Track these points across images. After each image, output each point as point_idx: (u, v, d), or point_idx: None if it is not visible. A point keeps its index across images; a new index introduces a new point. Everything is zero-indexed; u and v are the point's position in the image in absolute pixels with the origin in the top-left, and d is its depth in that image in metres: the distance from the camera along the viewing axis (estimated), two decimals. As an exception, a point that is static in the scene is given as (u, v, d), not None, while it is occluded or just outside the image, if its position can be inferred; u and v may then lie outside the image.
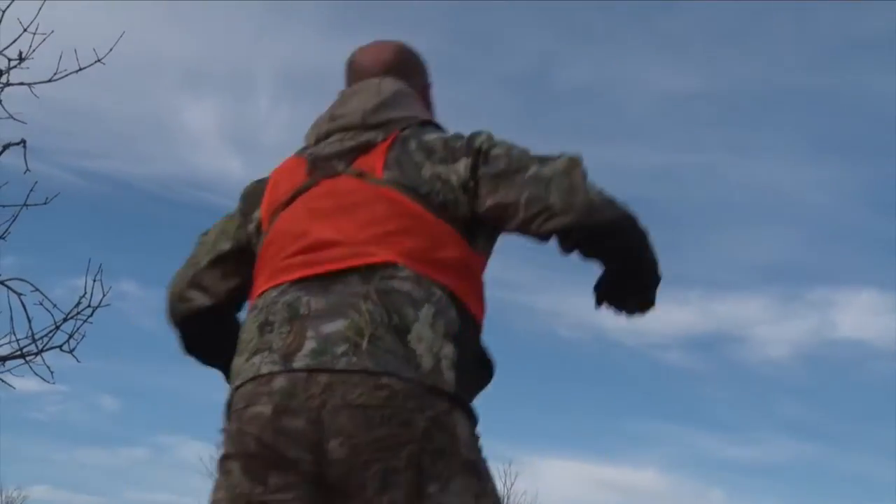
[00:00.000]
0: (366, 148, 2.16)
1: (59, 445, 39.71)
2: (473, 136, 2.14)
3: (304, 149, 2.27)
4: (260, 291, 2.08)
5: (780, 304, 58.54)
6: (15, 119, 5.02)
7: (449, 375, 1.92)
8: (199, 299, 2.32)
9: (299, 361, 1.89)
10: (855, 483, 53.09)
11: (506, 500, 29.60)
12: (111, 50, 5.07)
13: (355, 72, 2.41)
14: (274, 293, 2.03)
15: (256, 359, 1.95)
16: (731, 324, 58.01)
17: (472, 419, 2.00)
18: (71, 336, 5.37)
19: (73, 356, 5.38)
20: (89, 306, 5.39)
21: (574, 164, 2.07)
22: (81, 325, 5.39)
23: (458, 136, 2.16)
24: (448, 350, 1.94)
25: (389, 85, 2.29)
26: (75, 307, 5.38)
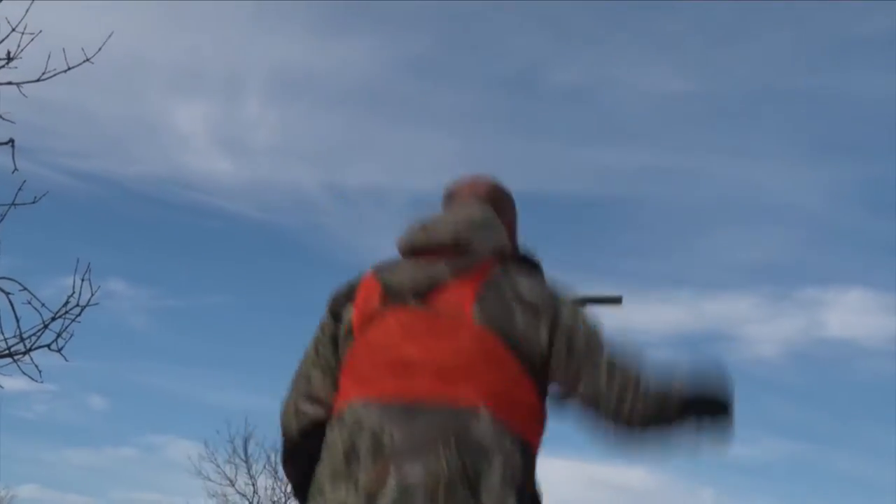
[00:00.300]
0: (456, 273, 2.28)
1: (48, 445, 39.63)
2: (559, 303, 2.27)
3: (391, 266, 2.37)
4: (346, 398, 2.21)
5: (770, 304, 58.44)
6: (3, 118, 5.00)
7: None
8: (315, 411, 2.37)
9: (381, 501, 2.02)
10: (845, 482, 53.05)
11: None
12: (100, 50, 5.10)
13: (451, 199, 2.57)
14: (360, 408, 2.15)
15: (342, 489, 2.09)
16: (721, 323, 57.89)
17: None
18: (59, 335, 5.37)
19: (62, 355, 5.38)
20: (77, 305, 5.39)
21: (639, 379, 2.19)
22: (70, 324, 5.39)
23: (546, 293, 2.29)
24: (511, 500, 2.06)
25: (484, 210, 2.44)
26: (63, 306, 5.38)
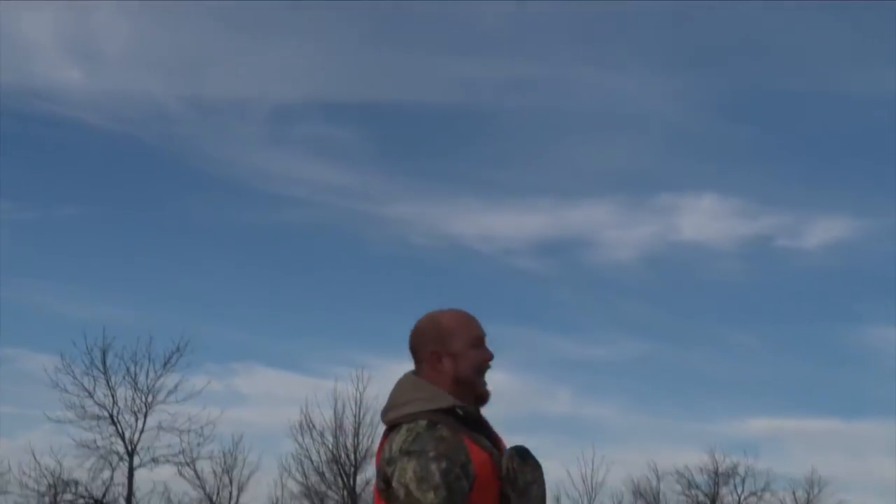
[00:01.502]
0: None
1: None
2: (390, 464, 2.91)
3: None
4: None
5: (627, 210, 59.30)
6: None
7: None
8: None
9: None
10: (694, 378, 54.08)
11: (358, 403, 29.88)
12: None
13: None
14: None
15: None
16: (580, 229, 58.70)
17: None
18: None
19: None
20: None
21: None
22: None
23: (391, 458, 2.92)
24: None
25: (399, 383, 3.12)
26: None
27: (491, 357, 3.12)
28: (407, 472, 2.85)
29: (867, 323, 57.49)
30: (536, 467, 3.05)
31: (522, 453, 3.04)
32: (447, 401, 3.00)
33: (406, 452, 2.88)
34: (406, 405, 3.03)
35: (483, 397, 3.12)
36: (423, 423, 2.94)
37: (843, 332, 56.28)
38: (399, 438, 2.94)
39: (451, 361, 3.07)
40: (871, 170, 52.81)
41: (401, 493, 2.85)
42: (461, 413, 3.01)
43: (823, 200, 56.03)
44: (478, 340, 3.10)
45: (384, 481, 2.92)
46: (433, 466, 2.83)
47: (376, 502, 3.01)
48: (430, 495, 2.79)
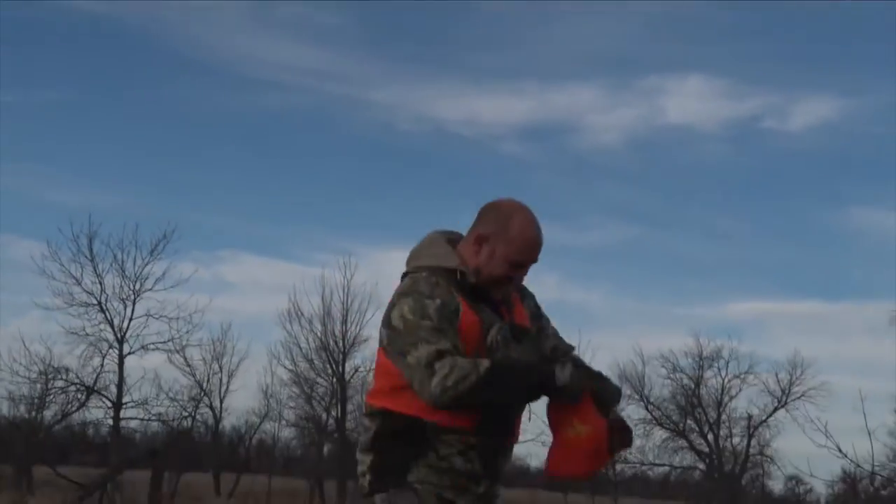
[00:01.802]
0: None
1: None
2: (390, 308, 3.13)
3: None
4: None
5: (611, 93, 59.25)
6: None
7: (364, 480, 3.17)
8: None
9: None
10: (678, 261, 54.59)
11: (346, 290, 30.18)
12: None
13: None
14: None
15: None
16: (565, 113, 58.58)
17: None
18: None
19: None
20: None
21: (428, 361, 2.95)
22: None
23: (391, 303, 3.14)
24: (366, 459, 3.18)
25: (425, 238, 3.29)
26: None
27: (512, 280, 3.20)
28: (404, 307, 3.07)
29: (852, 204, 57.83)
30: (530, 350, 3.20)
31: (517, 333, 3.18)
32: (453, 261, 3.17)
33: (404, 294, 3.11)
34: (419, 259, 3.23)
35: (490, 291, 3.19)
36: (424, 273, 3.16)
37: (827, 213, 56.66)
38: (401, 286, 3.17)
39: (487, 255, 3.16)
40: (857, 49, 52.49)
41: (399, 325, 3.06)
42: (463, 279, 3.14)
43: (810, 80, 55.82)
44: (520, 262, 3.17)
45: (385, 326, 3.12)
46: (428, 302, 3.06)
47: (378, 354, 3.18)
48: (426, 322, 3.01)
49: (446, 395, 2.92)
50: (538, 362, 3.15)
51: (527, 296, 3.41)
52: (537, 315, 3.40)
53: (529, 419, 3.28)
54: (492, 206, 3.25)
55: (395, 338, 3.07)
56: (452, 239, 3.28)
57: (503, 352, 3.09)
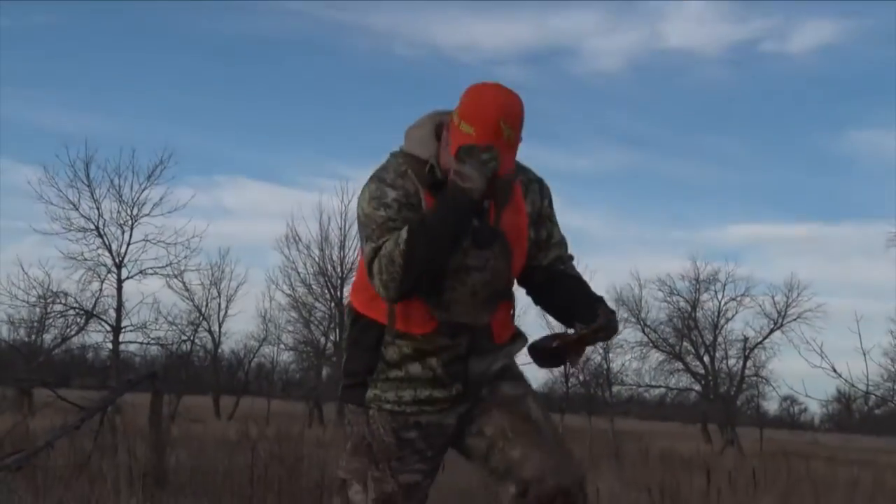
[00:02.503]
0: None
1: None
2: (360, 191, 2.95)
3: None
4: None
5: (612, 17, 58.58)
6: None
7: (342, 382, 3.12)
8: None
9: None
10: (677, 187, 54.69)
11: (343, 216, 29.97)
12: None
13: None
14: None
15: None
16: (564, 38, 58.01)
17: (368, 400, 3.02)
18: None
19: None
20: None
21: (369, 261, 2.85)
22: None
23: (364, 184, 2.97)
24: (342, 362, 3.14)
25: (420, 117, 3.01)
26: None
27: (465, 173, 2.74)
28: (365, 194, 2.92)
29: (851, 127, 57.59)
30: (490, 256, 2.93)
31: (481, 238, 2.91)
32: (426, 152, 2.92)
33: (371, 177, 2.95)
34: (404, 140, 2.99)
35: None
36: (400, 158, 2.96)
37: (826, 136, 56.44)
38: (376, 167, 2.99)
39: (444, 143, 2.89)
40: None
41: (360, 215, 2.92)
42: (432, 171, 2.90)
43: (810, 2, 55.11)
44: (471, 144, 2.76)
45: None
46: (388, 189, 2.88)
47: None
48: (381, 213, 2.85)
49: (389, 290, 2.80)
50: (450, 206, 2.78)
51: (532, 190, 3.07)
52: (540, 215, 3.08)
53: (513, 315, 3.12)
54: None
55: (359, 229, 2.96)
56: (445, 122, 2.93)
57: (459, 258, 2.87)
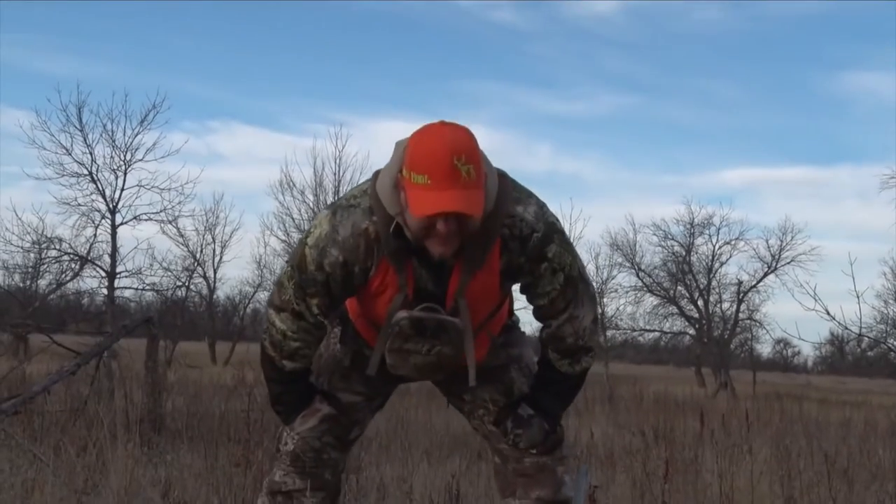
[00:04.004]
0: None
1: None
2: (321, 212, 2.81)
3: None
4: None
5: None
6: None
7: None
8: None
9: None
10: (670, 130, 54.72)
11: (337, 162, 30.03)
12: None
13: None
14: None
15: None
16: None
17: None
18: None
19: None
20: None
21: (272, 301, 2.85)
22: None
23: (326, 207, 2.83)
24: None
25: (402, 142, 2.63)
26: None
27: (434, 226, 2.47)
28: (316, 231, 2.74)
29: (847, 68, 57.25)
30: (435, 343, 2.72)
31: (419, 325, 2.70)
32: (393, 207, 2.57)
33: (333, 209, 2.75)
34: (375, 181, 2.66)
35: (432, 254, 2.56)
36: (366, 205, 2.66)
37: (820, 78, 56.05)
38: (341, 198, 2.82)
39: (405, 200, 2.53)
40: None
41: (300, 243, 2.78)
42: (399, 231, 2.59)
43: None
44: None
45: None
46: (333, 250, 2.67)
47: None
48: (311, 268, 2.70)
49: (264, 343, 2.87)
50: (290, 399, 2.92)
51: (510, 249, 2.66)
52: (520, 270, 2.71)
53: (494, 342, 2.96)
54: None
55: (293, 249, 2.84)
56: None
57: (397, 342, 2.73)
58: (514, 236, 2.65)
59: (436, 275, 2.66)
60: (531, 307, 2.85)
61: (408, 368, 2.83)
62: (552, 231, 2.69)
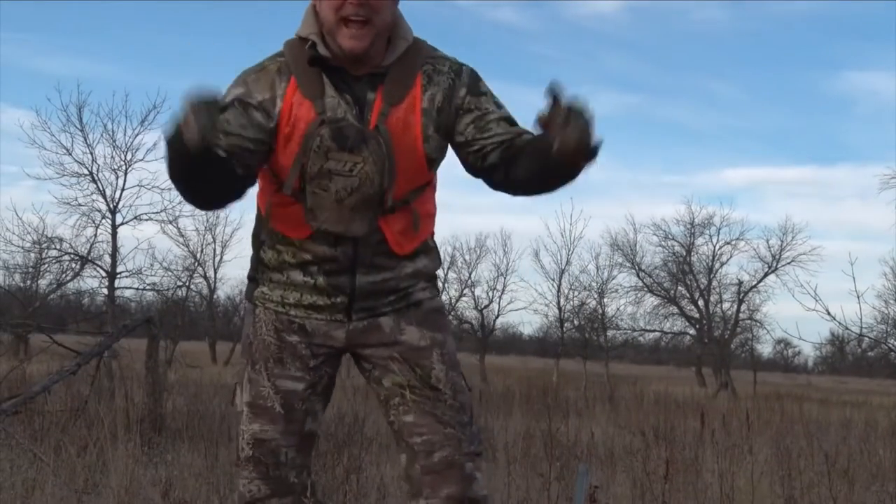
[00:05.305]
0: None
1: None
2: None
3: None
4: None
5: None
6: None
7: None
8: None
9: None
10: (672, 130, 54.84)
11: None
12: None
13: None
14: None
15: None
16: None
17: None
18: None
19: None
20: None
21: None
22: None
23: None
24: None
25: None
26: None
27: (345, 4, 2.51)
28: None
29: (847, 69, 57.22)
30: (357, 160, 2.60)
31: (341, 139, 2.59)
32: (305, 30, 2.62)
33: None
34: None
35: (343, 49, 2.55)
36: (286, 45, 2.68)
37: (822, 78, 56.09)
38: None
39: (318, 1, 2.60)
40: None
41: None
42: (314, 50, 2.59)
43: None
44: None
45: None
46: (233, 87, 2.63)
47: None
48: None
49: (185, 202, 2.71)
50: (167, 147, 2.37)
51: (437, 83, 2.65)
52: (453, 107, 2.66)
53: (416, 228, 2.78)
54: None
55: None
56: None
57: (318, 160, 2.59)
58: (439, 71, 2.67)
59: (357, 109, 2.60)
60: (469, 161, 2.72)
61: (328, 207, 2.65)
62: (476, 71, 2.75)
